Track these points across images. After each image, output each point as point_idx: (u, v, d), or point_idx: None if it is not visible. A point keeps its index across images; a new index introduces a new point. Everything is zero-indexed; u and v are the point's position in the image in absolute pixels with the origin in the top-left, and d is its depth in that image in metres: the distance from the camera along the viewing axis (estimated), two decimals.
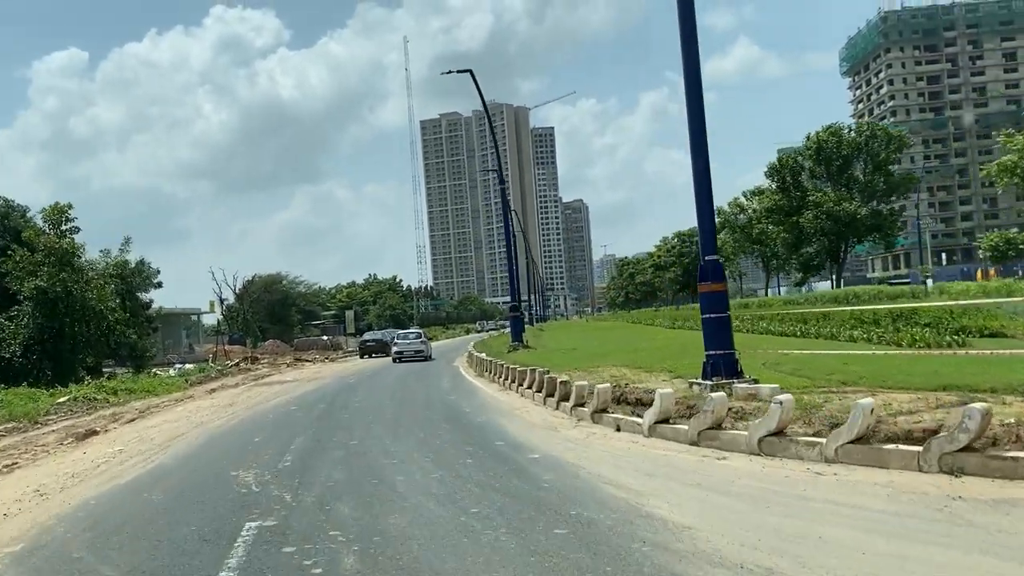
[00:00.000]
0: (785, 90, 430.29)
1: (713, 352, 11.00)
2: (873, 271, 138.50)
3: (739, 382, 10.55)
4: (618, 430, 10.12)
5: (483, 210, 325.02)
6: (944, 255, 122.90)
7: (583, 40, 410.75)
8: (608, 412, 10.80)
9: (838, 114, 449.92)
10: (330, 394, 19.94)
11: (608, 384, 11.12)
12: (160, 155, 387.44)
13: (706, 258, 11.35)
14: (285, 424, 13.52)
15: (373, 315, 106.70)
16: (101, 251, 35.98)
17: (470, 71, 32.10)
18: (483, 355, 27.14)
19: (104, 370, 34.64)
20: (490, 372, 22.32)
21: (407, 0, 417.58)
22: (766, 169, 59.18)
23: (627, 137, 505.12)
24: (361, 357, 40.60)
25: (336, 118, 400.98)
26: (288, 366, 37.52)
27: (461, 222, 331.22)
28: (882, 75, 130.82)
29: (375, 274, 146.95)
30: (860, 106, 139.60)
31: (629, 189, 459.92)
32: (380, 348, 40.34)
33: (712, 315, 11.11)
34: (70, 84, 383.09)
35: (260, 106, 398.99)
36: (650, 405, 10.74)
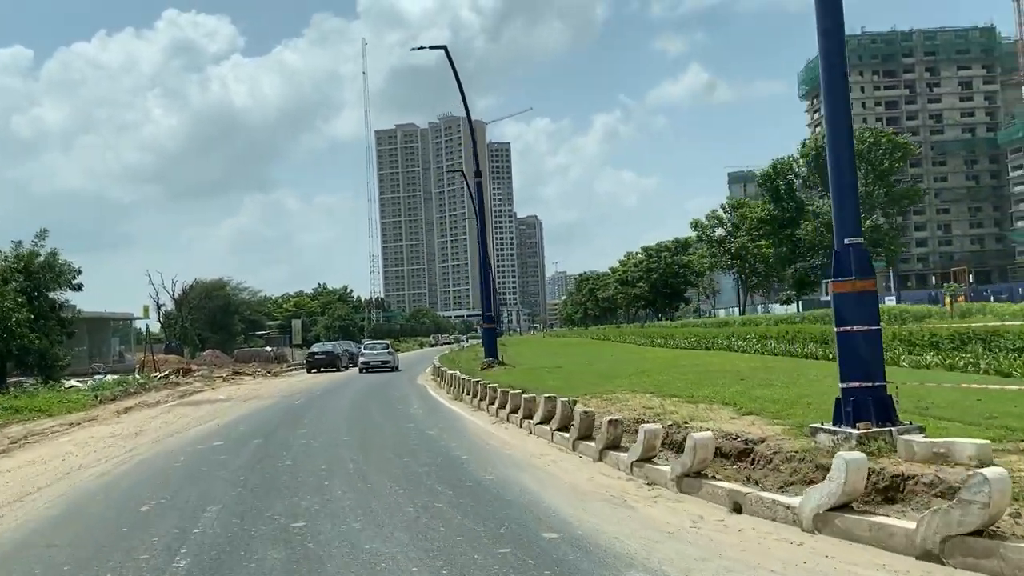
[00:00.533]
0: (737, 116, 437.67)
1: (856, 385, 7.19)
2: (826, 294, 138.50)
3: (900, 430, 6.79)
4: (737, 511, 6.22)
5: (437, 223, 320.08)
6: (901, 279, 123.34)
7: (539, 60, 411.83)
8: (706, 478, 6.90)
9: (790, 139, 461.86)
10: (269, 422, 15.60)
11: (709, 434, 7.18)
12: (107, 158, 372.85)
13: (845, 241, 7.56)
14: (197, 475, 9.25)
15: (321, 326, 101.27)
16: (13, 242, 30.88)
17: (444, 47, 28.11)
18: (456, 372, 23.15)
19: (9, 380, 29.46)
20: (470, 394, 18.33)
21: (364, 12, 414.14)
22: (758, 178, 56.68)
23: (579, 157, 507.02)
24: (308, 371, 36.07)
25: (289, 127, 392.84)
26: (224, 380, 32.76)
27: (414, 234, 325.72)
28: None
29: (324, 284, 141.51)
30: (818, 129, 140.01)
31: (581, 208, 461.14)
32: (329, 362, 36.09)
33: (856, 328, 7.30)
34: (13, 82, 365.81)
35: (211, 112, 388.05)
36: (755, 462, 6.92)
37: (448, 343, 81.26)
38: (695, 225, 66.20)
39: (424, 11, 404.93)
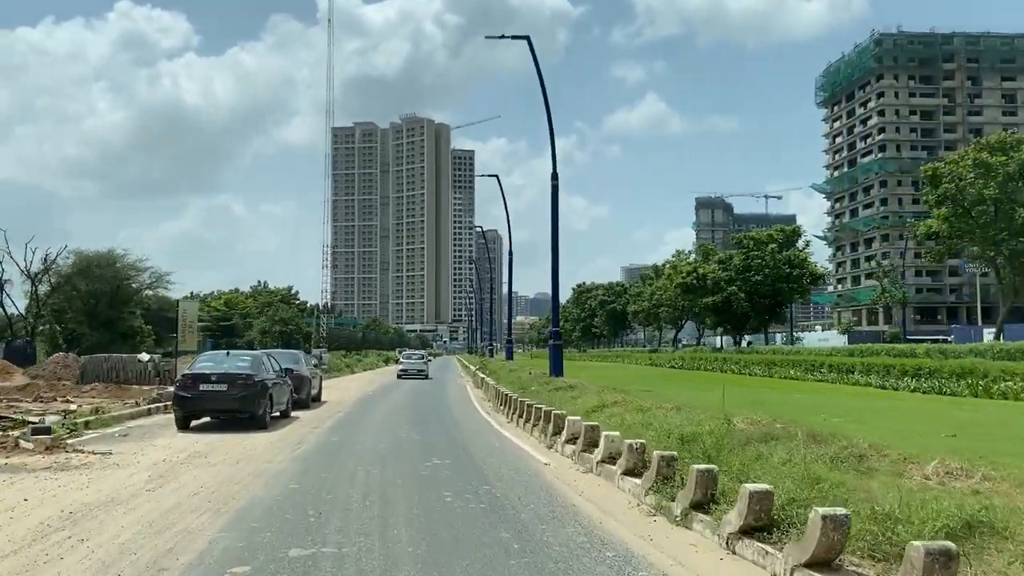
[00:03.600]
0: (690, 148, 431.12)
1: None
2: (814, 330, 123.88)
3: None
4: None
5: (393, 230, 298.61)
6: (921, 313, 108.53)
7: (498, 79, 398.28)
8: None
9: (740, 176, 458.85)
10: None
11: None
12: (44, 150, 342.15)
13: None
14: None
15: (257, 329, 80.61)
16: None
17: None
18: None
19: None
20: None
21: (323, 18, 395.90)
22: None
23: (535, 179, 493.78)
24: (181, 423, 14.46)
25: (239, 130, 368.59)
26: None
27: (367, 240, 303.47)
28: (871, 104, 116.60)
29: (265, 282, 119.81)
30: (838, 140, 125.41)
31: (532, 229, 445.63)
32: (231, 400, 14.65)
33: None
34: None
35: (159, 110, 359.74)
36: None
37: (418, 359, 61.51)
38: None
39: (386, 21, 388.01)
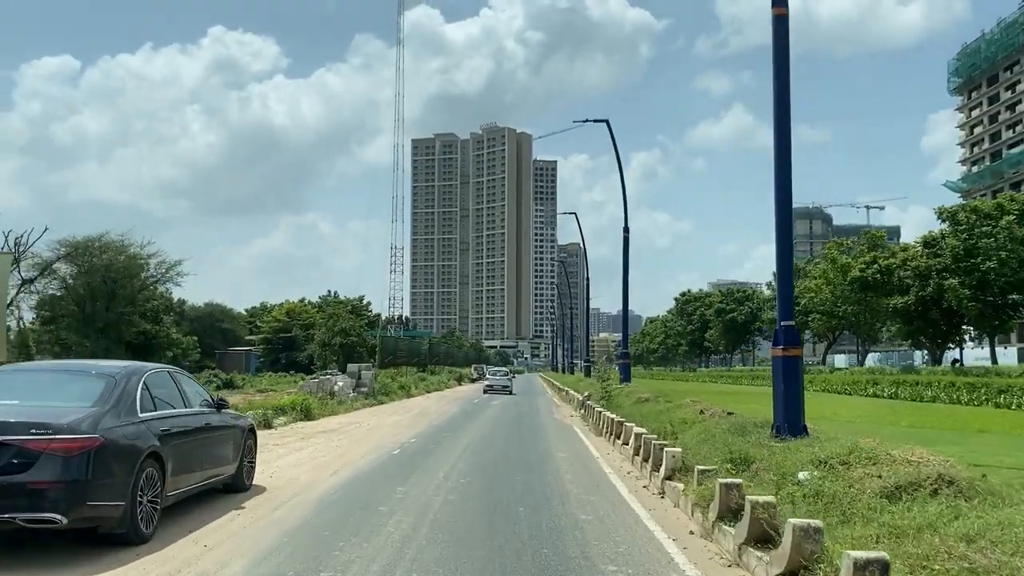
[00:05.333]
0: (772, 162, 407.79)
1: None
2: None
3: None
4: None
5: (473, 243, 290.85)
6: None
7: (580, 95, 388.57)
8: None
9: (826, 186, 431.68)
10: None
11: None
12: (142, 171, 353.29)
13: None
14: None
15: (317, 342, 71.74)
16: None
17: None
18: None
19: None
20: None
21: (406, 38, 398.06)
22: None
23: (616, 194, 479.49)
24: None
25: (326, 150, 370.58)
26: None
27: (447, 254, 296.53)
28: (1021, 87, 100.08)
29: (335, 291, 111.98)
30: (978, 130, 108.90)
31: (612, 245, 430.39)
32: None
33: None
34: (56, 90, 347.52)
35: (249, 131, 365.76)
36: None
37: (503, 375, 52.24)
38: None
39: (468, 38, 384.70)
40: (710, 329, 69.38)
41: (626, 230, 29.66)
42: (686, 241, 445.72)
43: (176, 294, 47.20)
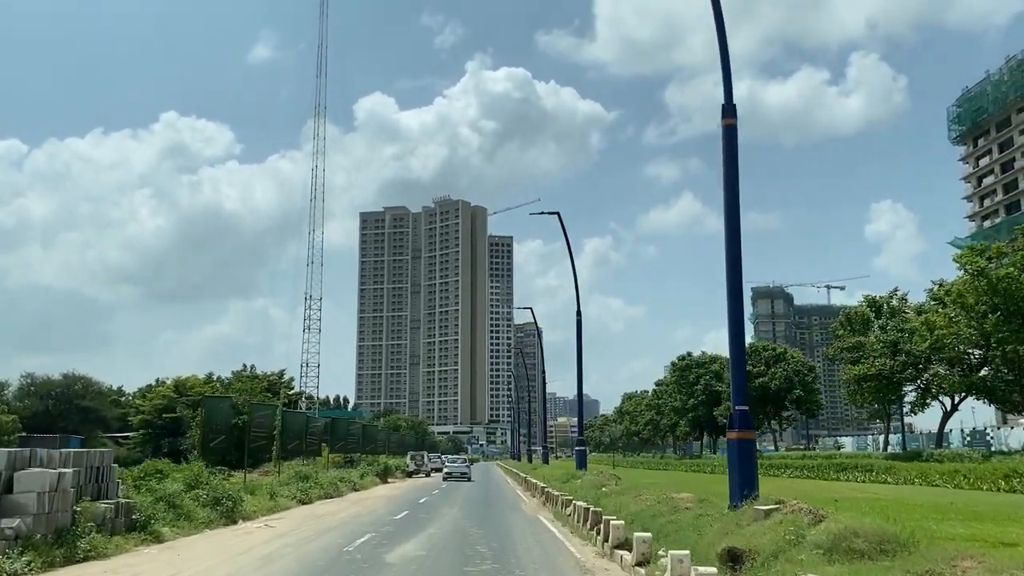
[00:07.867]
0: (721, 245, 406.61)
1: None
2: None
3: None
4: None
5: (425, 319, 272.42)
6: None
7: (533, 180, 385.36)
8: None
9: (775, 271, 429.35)
10: None
11: None
12: (87, 256, 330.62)
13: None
14: None
15: (197, 423, 53.17)
16: None
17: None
18: None
19: None
20: None
21: (361, 125, 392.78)
22: None
23: (569, 280, 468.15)
24: None
25: (278, 234, 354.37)
26: None
27: (397, 333, 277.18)
28: None
29: (252, 365, 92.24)
30: (988, 180, 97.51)
31: (567, 330, 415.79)
32: None
33: None
34: (1, 174, 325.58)
35: (200, 215, 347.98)
36: None
37: (462, 462, 49.78)
38: None
39: (423, 126, 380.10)
40: (724, 402, 52.68)
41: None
42: (639, 326, 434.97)
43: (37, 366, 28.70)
